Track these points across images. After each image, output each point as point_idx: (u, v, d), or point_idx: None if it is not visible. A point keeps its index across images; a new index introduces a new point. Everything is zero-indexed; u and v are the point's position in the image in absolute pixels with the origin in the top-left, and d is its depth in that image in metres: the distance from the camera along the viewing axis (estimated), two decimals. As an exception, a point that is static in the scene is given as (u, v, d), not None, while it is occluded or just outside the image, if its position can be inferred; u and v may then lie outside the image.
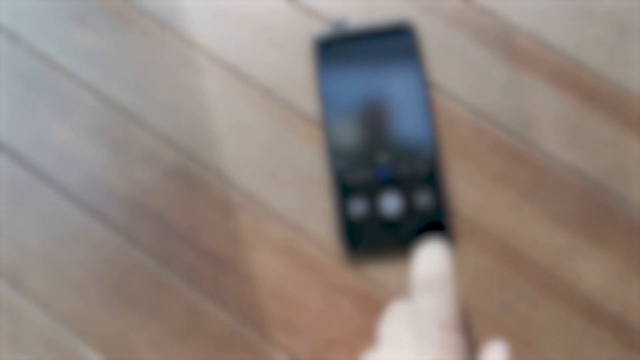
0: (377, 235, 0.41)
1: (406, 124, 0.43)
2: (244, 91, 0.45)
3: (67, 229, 0.43)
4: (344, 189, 0.42)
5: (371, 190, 0.42)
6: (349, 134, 0.43)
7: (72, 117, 0.45)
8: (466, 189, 0.42)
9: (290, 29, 0.46)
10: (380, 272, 0.41)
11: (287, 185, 0.43)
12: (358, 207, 0.42)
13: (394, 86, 0.44)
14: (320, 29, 0.46)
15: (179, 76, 0.46)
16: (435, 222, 0.41)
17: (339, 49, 0.45)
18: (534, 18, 0.45)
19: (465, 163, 0.43)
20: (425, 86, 0.43)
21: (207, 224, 0.43)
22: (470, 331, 0.39)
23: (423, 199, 0.41)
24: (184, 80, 0.46)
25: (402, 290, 0.40)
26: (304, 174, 0.43)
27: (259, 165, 0.43)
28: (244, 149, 0.44)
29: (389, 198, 0.42)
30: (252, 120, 0.44)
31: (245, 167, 0.43)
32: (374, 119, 0.43)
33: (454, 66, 0.45)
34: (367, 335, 0.40)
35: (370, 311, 0.40)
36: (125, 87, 0.46)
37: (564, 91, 0.44)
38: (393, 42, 0.44)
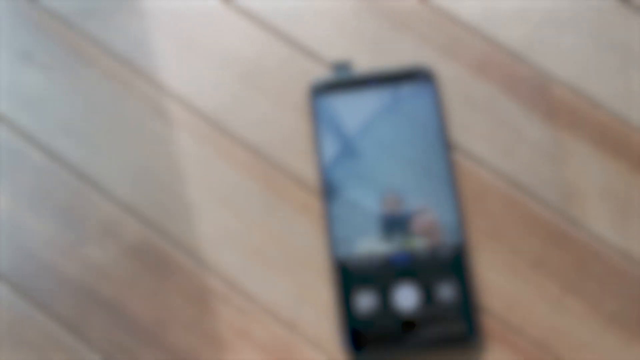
0: (388, 337, 0.33)
1: (425, 195, 0.35)
2: (225, 149, 0.37)
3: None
4: (349, 278, 0.34)
5: (382, 281, 0.34)
6: (355, 207, 0.35)
7: (12, 178, 0.37)
8: (497, 279, 0.35)
9: (284, 73, 0.38)
10: (393, 387, 0.33)
11: (278, 270, 0.35)
12: (365, 301, 0.34)
13: (409, 147, 0.36)
14: (319, 73, 0.38)
15: (145, 129, 0.37)
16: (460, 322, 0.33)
17: (342, 98, 0.37)
18: (574, 67, 0.38)
19: (496, 246, 0.35)
20: (447, 148, 0.36)
21: (178, 318, 0.34)
22: None
23: (446, 292, 0.34)
24: (151, 135, 0.37)
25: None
26: (298, 256, 0.35)
27: (243, 243, 0.35)
28: (224, 222, 0.36)
29: (403, 290, 0.34)
30: (235, 186, 0.36)
31: (226, 246, 0.35)
32: (385, 189, 0.35)
33: (479, 123, 0.37)
34: None
35: None
36: (80, 141, 0.37)
37: (612, 156, 0.36)
38: (408, 92, 0.37)
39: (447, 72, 0.38)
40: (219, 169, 0.37)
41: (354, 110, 0.37)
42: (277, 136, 0.37)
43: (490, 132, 0.37)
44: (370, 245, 0.35)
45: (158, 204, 0.36)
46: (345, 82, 0.37)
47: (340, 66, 0.38)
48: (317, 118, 0.37)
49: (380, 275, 0.34)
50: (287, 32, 0.39)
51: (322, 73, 0.38)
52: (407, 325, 0.33)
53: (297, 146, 0.37)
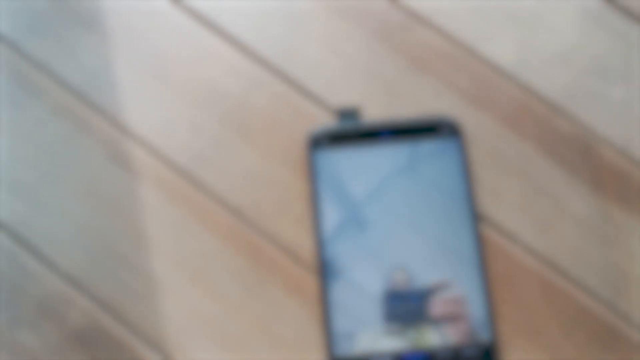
0: None
1: (447, 278, 0.28)
2: (200, 210, 0.30)
3: None
4: (351, 385, 0.27)
5: (393, 389, 0.27)
6: (360, 292, 0.28)
7: None
8: (535, 388, 0.28)
9: (276, 118, 0.31)
10: None
11: (261, 369, 0.28)
12: (372, 415, 0.27)
13: (428, 217, 0.29)
14: (320, 120, 0.31)
15: (101, 181, 0.30)
16: None
17: (347, 153, 0.30)
18: (624, 124, 0.32)
19: (531, 345, 0.29)
20: (473, 219, 0.29)
21: None
22: None
23: (472, 407, 0.27)
24: (108, 189, 0.30)
25: None
26: (288, 350, 0.28)
27: (219, 332, 0.28)
28: (196, 304, 0.28)
29: (420, 403, 0.27)
30: (212, 259, 0.29)
31: (197, 335, 0.28)
32: (398, 268, 0.28)
33: (512, 189, 0.30)
34: None
35: None
36: (16, 193, 0.30)
37: (669, 237, 0.30)
38: (427, 149, 0.30)
39: (475, 125, 0.31)
40: (191, 236, 0.29)
41: (361, 168, 0.30)
42: (265, 197, 0.30)
43: (524, 201, 0.30)
44: (377, 340, 0.28)
45: (112, 279, 0.29)
46: (351, 133, 0.31)
47: (346, 113, 0.31)
48: (316, 177, 0.30)
49: (390, 381, 0.27)
50: (282, 68, 0.32)
51: (323, 120, 0.31)
52: None
53: (290, 211, 0.30)
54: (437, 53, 0.32)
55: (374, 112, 0.31)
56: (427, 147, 0.30)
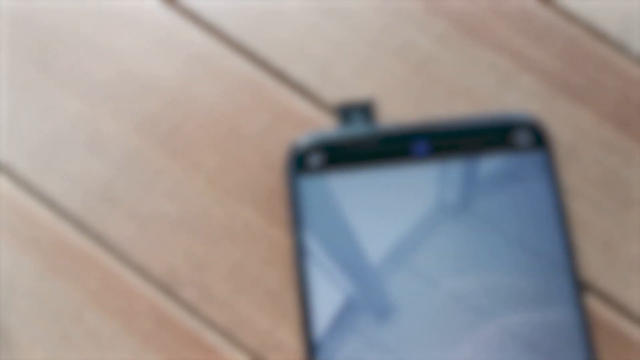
0: None
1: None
2: (100, 285, 0.18)
3: None
4: None
5: None
6: None
7: None
8: None
9: (235, 122, 0.19)
10: None
11: None
12: None
13: (496, 289, 0.19)
14: (309, 124, 0.19)
15: None
16: None
17: (353, 178, 0.20)
18: None
19: None
20: (575, 291, 0.18)
21: None
22: None
23: None
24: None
25: None
26: None
27: None
28: None
29: None
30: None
31: None
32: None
33: (637, 238, 0.18)
34: None
35: None
36: None
37: None
38: (491, 171, 0.20)
39: (572, 129, 0.19)
40: (85, 331, 0.17)
41: (379, 207, 0.19)
42: (214, 260, 0.18)
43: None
44: None
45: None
46: (361, 145, 0.19)
47: (353, 110, 0.19)
48: (303, 222, 0.19)
49: None
50: (248, 42, 0.20)
51: (315, 124, 0.19)
52: None
53: (256, 284, 0.18)
54: (501, 11, 0.20)
55: (398, 110, 0.19)
56: (490, 168, 0.19)
